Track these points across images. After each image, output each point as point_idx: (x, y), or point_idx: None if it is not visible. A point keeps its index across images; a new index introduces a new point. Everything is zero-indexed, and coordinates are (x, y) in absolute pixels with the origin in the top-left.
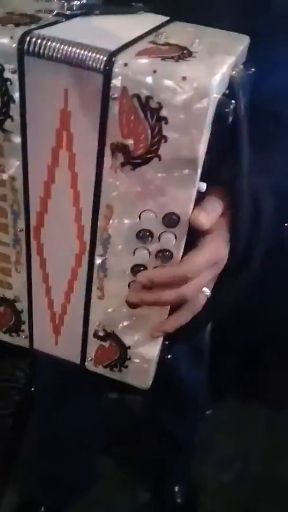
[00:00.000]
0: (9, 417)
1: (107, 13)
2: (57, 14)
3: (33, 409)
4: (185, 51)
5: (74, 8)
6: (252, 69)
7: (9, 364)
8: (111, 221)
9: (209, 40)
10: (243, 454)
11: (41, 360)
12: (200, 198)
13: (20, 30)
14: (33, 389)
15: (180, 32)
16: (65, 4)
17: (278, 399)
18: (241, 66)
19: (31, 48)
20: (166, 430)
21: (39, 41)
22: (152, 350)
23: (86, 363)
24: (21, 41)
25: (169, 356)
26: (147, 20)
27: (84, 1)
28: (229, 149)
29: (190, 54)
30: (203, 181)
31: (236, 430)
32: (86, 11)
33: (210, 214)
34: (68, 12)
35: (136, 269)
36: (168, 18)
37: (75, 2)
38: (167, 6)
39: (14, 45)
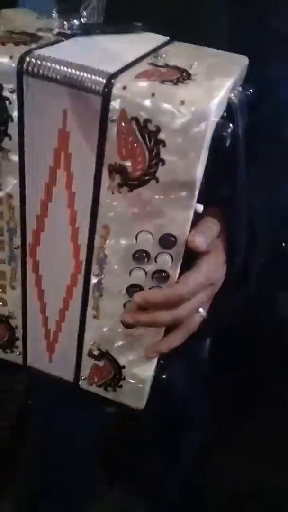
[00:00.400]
0: (6, 430)
1: (107, 32)
2: (58, 34)
3: (31, 422)
4: (184, 74)
5: (75, 27)
6: (250, 90)
7: (6, 376)
8: (107, 241)
9: (207, 62)
10: (242, 471)
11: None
12: (197, 218)
13: (19, 50)
14: (30, 401)
15: (179, 53)
16: (66, 23)
17: (277, 416)
18: (239, 88)
19: (30, 68)
20: (163, 447)
21: (38, 61)
22: (147, 370)
23: (80, 382)
24: (21, 61)
25: (164, 376)
26: (147, 40)
27: (84, 20)
28: (226, 170)
29: (189, 76)
30: (200, 202)
31: (234, 446)
32: (86, 30)
33: (207, 235)
34: (68, 31)
35: (132, 289)
36: (167, 38)
37: (75, 21)
38: (165, 25)
39: (13, 65)
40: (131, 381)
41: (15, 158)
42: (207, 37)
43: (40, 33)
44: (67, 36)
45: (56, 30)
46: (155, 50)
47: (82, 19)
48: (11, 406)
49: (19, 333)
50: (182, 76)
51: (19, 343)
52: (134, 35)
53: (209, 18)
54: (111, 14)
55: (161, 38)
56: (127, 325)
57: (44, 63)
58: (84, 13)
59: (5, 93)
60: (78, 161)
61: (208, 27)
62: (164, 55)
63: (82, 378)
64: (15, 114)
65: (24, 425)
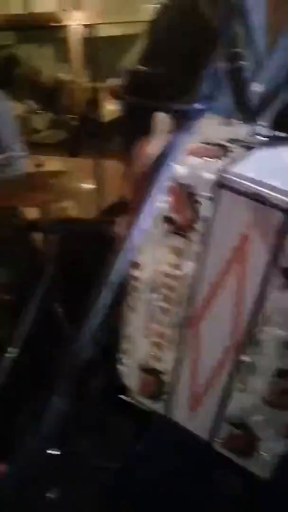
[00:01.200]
0: (113, 472)
1: (280, 143)
2: (244, 146)
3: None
4: None
5: (257, 142)
6: None
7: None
8: (266, 328)
9: None
10: None
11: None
12: None
13: (216, 165)
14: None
15: None
16: (250, 137)
17: None
18: None
19: (225, 182)
20: None
21: (232, 178)
22: (280, 446)
23: (214, 443)
24: (218, 177)
25: None
26: None
27: (263, 131)
28: None
29: None
30: None
31: None
32: (263, 142)
33: None
34: (251, 144)
35: (280, 372)
36: None
37: (257, 137)
38: None
39: (211, 179)
40: (264, 453)
41: (197, 248)
42: None
43: (229, 145)
44: (250, 148)
45: (243, 143)
46: None
47: (260, 128)
48: (121, 449)
49: (168, 388)
50: None
51: (165, 397)
52: None
53: None
54: (278, 123)
55: None
56: (270, 404)
57: (237, 179)
58: (261, 122)
59: (200, 198)
60: (253, 259)
61: None
62: None
63: (217, 440)
64: (205, 214)
65: (131, 469)
